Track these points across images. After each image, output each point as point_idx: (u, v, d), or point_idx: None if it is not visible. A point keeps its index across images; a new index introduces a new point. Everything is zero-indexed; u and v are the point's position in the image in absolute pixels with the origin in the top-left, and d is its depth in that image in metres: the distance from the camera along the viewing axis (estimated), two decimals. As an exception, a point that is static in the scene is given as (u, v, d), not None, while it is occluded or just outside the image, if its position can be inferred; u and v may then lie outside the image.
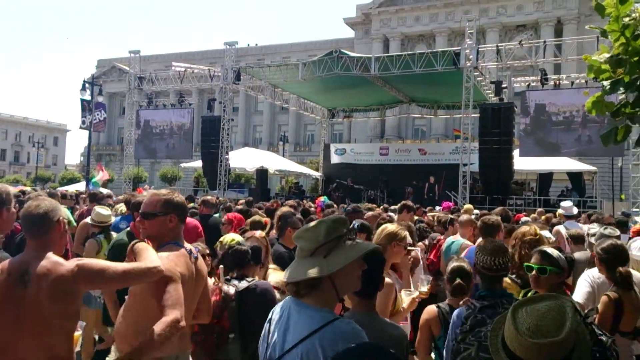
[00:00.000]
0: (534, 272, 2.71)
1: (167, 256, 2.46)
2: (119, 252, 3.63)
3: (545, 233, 5.62)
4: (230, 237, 4.01)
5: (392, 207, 10.25)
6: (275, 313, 1.94)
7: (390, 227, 3.81)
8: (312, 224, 1.90)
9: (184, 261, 2.52)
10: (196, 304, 2.74)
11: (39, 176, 55.26)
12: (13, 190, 2.86)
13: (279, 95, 25.00)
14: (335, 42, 47.01)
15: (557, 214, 10.28)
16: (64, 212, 2.48)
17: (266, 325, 1.98)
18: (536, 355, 1.36)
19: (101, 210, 5.62)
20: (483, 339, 2.27)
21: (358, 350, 1.43)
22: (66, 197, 10.03)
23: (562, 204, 9.41)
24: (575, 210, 9.14)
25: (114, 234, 5.23)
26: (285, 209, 6.83)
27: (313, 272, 1.76)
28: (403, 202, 7.38)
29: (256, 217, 5.67)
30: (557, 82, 18.88)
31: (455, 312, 2.74)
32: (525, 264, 2.74)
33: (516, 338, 1.37)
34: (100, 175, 22.15)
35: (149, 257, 2.35)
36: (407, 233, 3.83)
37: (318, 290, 1.79)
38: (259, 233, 4.52)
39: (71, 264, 2.27)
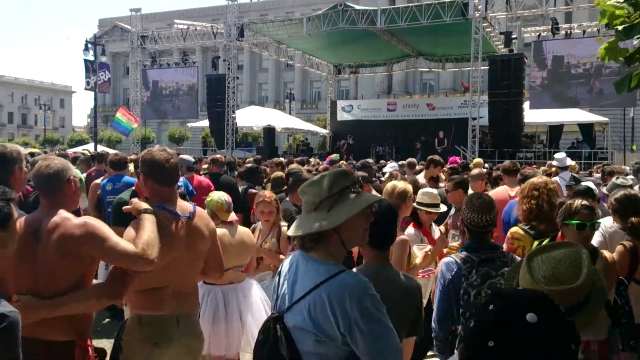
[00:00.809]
0: (585, 230, 2.67)
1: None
2: (119, 211, 3.54)
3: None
4: (217, 195, 3.96)
5: (400, 163, 10.23)
6: (285, 266, 1.96)
7: (400, 185, 3.86)
8: (316, 177, 1.91)
9: (164, 223, 2.50)
10: (201, 262, 2.76)
11: (48, 138, 55.42)
12: (24, 150, 2.87)
13: (283, 52, 24.60)
14: (340, -5, 45.79)
15: (547, 165, 10.27)
16: (75, 171, 2.49)
17: (276, 278, 2.00)
18: None
19: None
20: None
21: None
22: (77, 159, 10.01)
23: (556, 155, 9.36)
24: (568, 162, 9.12)
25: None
26: (293, 166, 6.86)
27: (317, 226, 1.77)
28: (430, 157, 7.45)
29: (278, 173, 5.71)
30: (569, 31, 18.39)
31: (445, 261, 2.75)
32: (576, 221, 2.67)
33: (532, 286, 1.37)
34: (130, 120, 22.08)
35: (144, 238, 2.31)
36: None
37: (324, 244, 1.81)
38: (268, 194, 4.53)
39: (79, 221, 2.29)
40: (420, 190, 4.38)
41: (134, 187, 4.52)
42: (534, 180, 3.38)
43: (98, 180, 6.13)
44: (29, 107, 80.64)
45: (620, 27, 3.37)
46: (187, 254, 2.56)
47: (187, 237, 2.58)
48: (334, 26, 18.89)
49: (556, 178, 7.57)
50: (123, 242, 2.29)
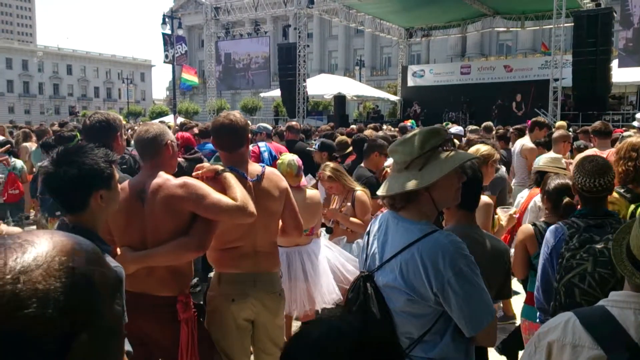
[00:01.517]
0: None
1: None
2: None
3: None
4: (288, 159, 4.05)
5: (473, 127, 9.91)
6: (374, 225, 1.96)
7: (483, 148, 3.77)
8: (407, 135, 1.88)
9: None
10: (276, 222, 2.82)
11: (131, 111, 58.37)
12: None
13: (353, 17, 24.22)
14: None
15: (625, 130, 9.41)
16: (172, 136, 2.64)
17: (365, 237, 2.01)
18: None
19: None
20: (598, 255, 2.20)
21: None
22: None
23: (638, 115, 8.58)
24: None
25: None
26: (368, 132, 6.85)
27: (410, 185, 1.74)
28: (534, 119, 7.34)
29: (342, 138, 5.74)
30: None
31: (551, 228, 2.61)
32: None
33: None
34: (193, 75, 22.92)
35: (238, 193, 2.44)
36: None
37: (415, 204, 1.80)
38: (322, 173, 4.49)
39: (179, 181, 2.43)
40: (548, 156, 4.25)
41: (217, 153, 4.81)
42: (632, 140, 3.14)
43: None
44: (113, 82, 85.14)
45: None
46: (259, 214, 2.56)
47: (257, 198, 2.61)
48: (406, -13, 18.31)
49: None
50: (224, 198, 2.40)
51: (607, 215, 2.50)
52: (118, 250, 2.41)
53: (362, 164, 5.21)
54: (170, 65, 24.69)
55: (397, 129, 10.69)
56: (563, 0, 16.13)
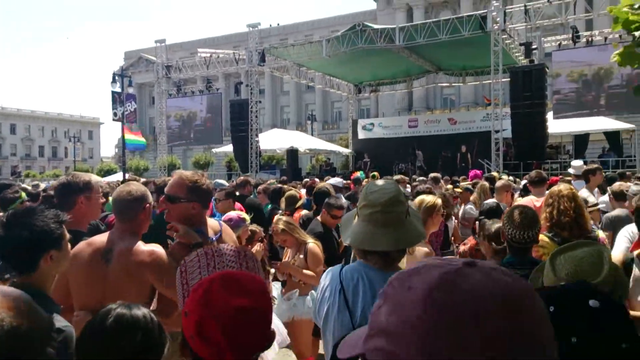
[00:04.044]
0: None
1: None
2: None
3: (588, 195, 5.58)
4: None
5: (421, 178, 10.25)
6: (326, 280, 1.97)
7: (428, 198, 3.90)
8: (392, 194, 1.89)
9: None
10: None
11: (78, 170, 56.87)
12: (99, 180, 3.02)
13: (304, 74, 24.97)
14: (358, 16, 46.37)
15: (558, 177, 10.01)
16: (151, 198, 2.59)
17: (322, 293, 1.96)
18: None
19: None
20: None
21: None
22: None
23: (573, 163, 9.17)
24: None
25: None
26: (321, 184, 6.97)
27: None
28: (589, 167, 7.01)
29: (291, 192, 5.77)
30: (590, 39, 18.25)
31: None
32: None
33: (556, 284, 1.42)
34: (135, 135, 22.62)
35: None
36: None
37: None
38: (274, 227, 4.52)
39: (149, 248, 2.37)
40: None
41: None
42: (553, 189, 3.44)
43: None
44: (59, 140, 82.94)
45: (637, 33, 3.40)
46: None
47: None
48: (353, 46, 19.13)
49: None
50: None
51: (533, 263, 2.61)
52: (75, 312, 2.31)
53: (319, 218, 5.25)
54: (119, 123, 24.42)
55: (350, 181, 10.89)
56: (500, 57, 17.28)
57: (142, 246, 2.39)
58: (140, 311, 1.54)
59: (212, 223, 2.76)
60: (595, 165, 7.04)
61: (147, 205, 2.51)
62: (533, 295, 0.62)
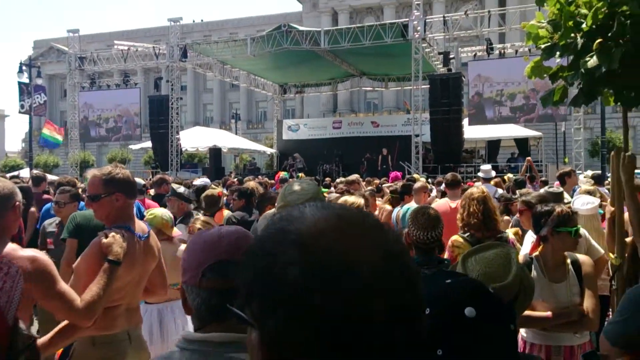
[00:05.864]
0: (578, 234, 2.71)
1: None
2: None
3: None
4: (161, 212, 4.01)
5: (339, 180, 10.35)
6: None
7: (351, 199, 3.92)
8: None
9: (128, 245, 2.46)
10: (146, 281, 2.76)
11: (-22, 165, 52.44)
12: None
13: (228, 72, 24.55)
14: (283, 17, 46.32)
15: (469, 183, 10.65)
16: (20, 196, 2.35)
17: None
18: None
19: None
20: None
21: None
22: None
23: (482, 167, 9.75)
24: (492, 174, 9.53)
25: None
26: (252, 184, 6.80)
27: None
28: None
29: (209, 192, 5.60)
30: (502, 51, 19.35)
31: None
32: (573, 228, 2.64)
33: None
34: (55, 133, 21.31)
35: (94, 296, 2.22)
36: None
37: None
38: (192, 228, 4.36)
39: (29, 254, 2.14)
40: None
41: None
42: (467, 192, 3.58)
43: (33, 209, 5.91)
44: (-42, 132, 76.17)
45: (543, 47, 3.60)
46: (139, 272, 2.57)
47: (144, 256, 2.60)
48: (278, 47, 19.07)
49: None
50: (69, 292, 2.16)
51: (440, 262, 2.74)
52: None
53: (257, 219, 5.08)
54: (27, 116, 22.79)
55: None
56: (420, 64, 17.92)
57: (19, 251, 2.14)
58: None
59: (140, 224, 2.73)
60: (569, 168, 7.39)
61: (16, 204, 2.25)
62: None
